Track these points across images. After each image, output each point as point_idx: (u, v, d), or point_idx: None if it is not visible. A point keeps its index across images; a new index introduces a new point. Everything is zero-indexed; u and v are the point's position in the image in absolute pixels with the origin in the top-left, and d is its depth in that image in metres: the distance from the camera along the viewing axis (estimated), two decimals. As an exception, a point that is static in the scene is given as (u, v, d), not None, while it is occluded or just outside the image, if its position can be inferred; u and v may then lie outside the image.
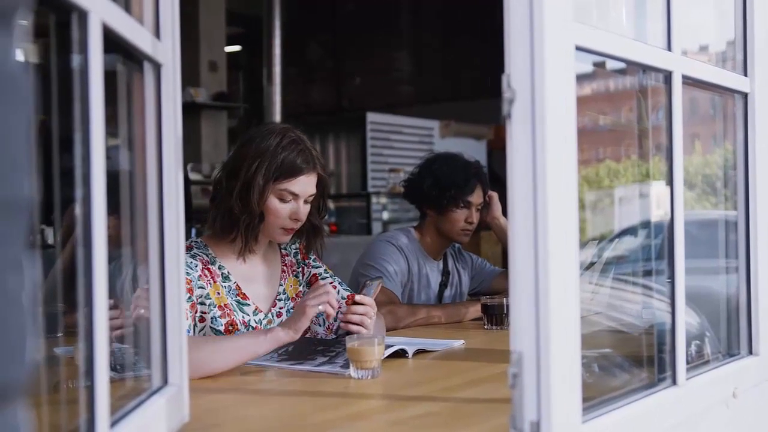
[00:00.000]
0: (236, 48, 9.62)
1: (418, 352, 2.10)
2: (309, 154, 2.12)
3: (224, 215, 2.12)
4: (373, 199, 7.39)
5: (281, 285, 2.25)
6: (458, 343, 2.27)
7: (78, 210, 0.97)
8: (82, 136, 0.96)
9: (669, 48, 1.45)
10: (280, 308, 2.23)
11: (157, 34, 1.29)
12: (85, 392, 0.98)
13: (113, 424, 1.05)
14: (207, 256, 2.13)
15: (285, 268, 2.28)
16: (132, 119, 1.30)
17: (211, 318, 2.06)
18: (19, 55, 0.57)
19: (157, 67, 1.29)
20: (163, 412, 1.26)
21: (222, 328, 2.06)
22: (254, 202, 2.07)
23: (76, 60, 0.97)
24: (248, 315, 2.13)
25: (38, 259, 0.60)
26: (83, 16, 0.96)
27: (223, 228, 2.13)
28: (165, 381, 1.32)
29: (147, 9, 1.28)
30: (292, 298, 2.26)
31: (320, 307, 1.90)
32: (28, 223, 0.57)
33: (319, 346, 2.08)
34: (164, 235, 1.31)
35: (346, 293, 2.31)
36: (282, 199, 2.10)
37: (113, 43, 1.06)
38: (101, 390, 0.97)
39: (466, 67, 8.85)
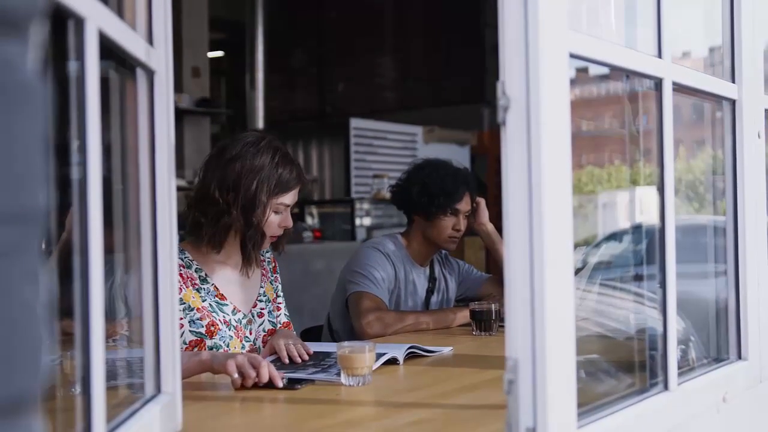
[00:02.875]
0: (219, 53, 9.59)
1: (409, 357, 2.09)
2: (299, 168, 2.23)
3: (221, 229, 2.14)
4: (357, 205, 7.36)
5: (262, 287, 2.32)
6: (447, 350, 2.27)
7: (73, 217, 0.96)
8: (79, 142, 0.96)
9: (659, 55, 1.46)
10: (261, 309, 2.29)
11: (150, 41, 1.29)
12: (78, 400, 0.97)
13: (109, 433, 1.04)
14: (182, 260, 2.17)
15: (264, 271, 2.36)
16: (125, 125, 1.29)
17: (190, 321, 2.10)
18: (33, 65, 0.56)
19: (150, 73, 1.28)
20: (157, 421, 1.25)
21: (204, 330, 2.12)
22: (259, 219, 2.15)
23: (71, 66, 0.97)
24: (228, 314, 2.18)
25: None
26: (80, 23, 0.95)
27: (215, 240, 2.14)
28: (158, 389, 1.31)
29: (140, 16, 1.27)
30: (272, 300, 2.34)
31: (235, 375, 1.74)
32: (42, 233, 0.56)
33: (311, 359, 2.06)
34: (157, 242, 1.31)
35: (284, 319, 2.39)
36: (277, 212, 2.19)
37: (107, 49, 1.06)
38: (97, 399, 0.97)
39: (449, 73, 8.87)
